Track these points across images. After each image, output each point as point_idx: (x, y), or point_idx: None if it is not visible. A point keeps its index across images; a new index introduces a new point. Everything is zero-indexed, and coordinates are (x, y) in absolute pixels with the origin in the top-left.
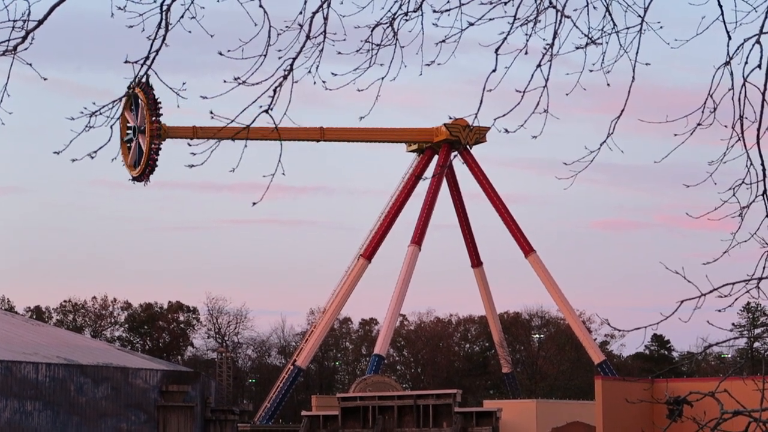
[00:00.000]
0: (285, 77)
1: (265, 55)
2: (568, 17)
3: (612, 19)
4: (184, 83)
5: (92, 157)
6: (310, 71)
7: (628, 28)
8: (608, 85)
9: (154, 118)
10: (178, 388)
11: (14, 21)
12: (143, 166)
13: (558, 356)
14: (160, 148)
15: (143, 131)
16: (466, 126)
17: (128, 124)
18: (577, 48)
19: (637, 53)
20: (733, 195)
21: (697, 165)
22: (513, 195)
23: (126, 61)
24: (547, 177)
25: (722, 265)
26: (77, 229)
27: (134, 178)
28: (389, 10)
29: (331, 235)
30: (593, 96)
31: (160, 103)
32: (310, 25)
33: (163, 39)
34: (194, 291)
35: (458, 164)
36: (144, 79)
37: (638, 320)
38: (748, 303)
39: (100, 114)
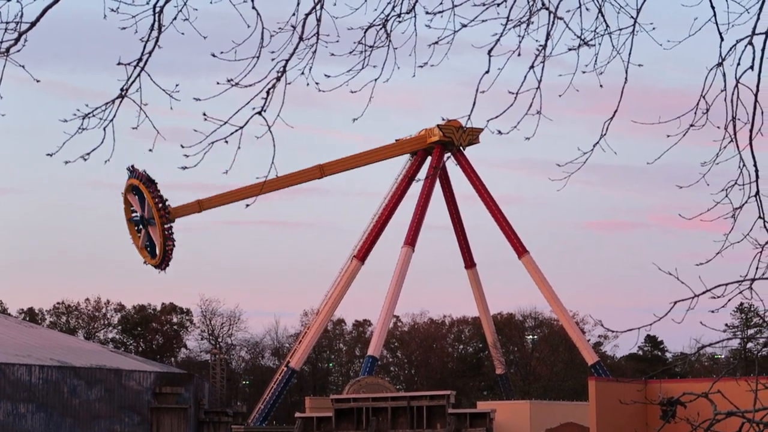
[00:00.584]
0: (278, 79)
1: (258, 57)
2: (561, 19)
3: (605, 21)
4: (177, 85)
5: (85, 159)
6: (303, 73)
7: (620, 30)
8: (601, 86)
9: (160, 206)
10: (172, 389)
11: (6, 23)
12: (160, 258)
13: (551, 357)
14: (173, 238)
15: (153, 223)
16: (459, 127)
17: (132, 209)
18: (570, 49)
19: (629, 54)
20: (726, 196)
21: (690, 166)
22: (506, 196)
23: (119, 63)
24: (541, 178)
25: (715, 266)
26: (71, 230)
27: (153, 266)
28: (382, 12)
29: (325, 236)
30: (586, 97)
31: (167, 200)
32: (303, 26)
33: (156, 41)
34: (187, 292)
35: (451, 165)
36: (144, 172)
37: (632, 321)
38: (741, 304)
39: (93, 116)
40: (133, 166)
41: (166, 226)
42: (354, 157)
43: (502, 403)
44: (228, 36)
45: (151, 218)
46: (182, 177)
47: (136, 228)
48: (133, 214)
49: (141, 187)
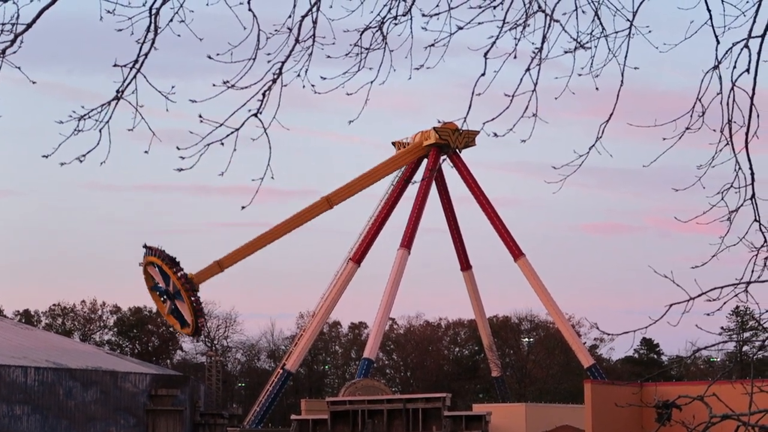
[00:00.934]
0: (274, 81)
1: (254, 59)
2: (557, 21)
3: (601, 23)
4: (173, 87)
5: (81, 161)
6: (299, 75)
7: (616, 32)
8: (597, 89)
9: (180, 274)
10: (168, 391)
11: (3, 24)
12: (194, 325)
13: (547, 360)
14: (204, 314)
15: (180, 298)
16: (456, 130)
17: (156, 282)
18: (566, 52)
19: (626, 57)
20: (722, 199)
21: (686, 169)
22: (502, 198)
23: (115, 65)
24: (537, 180)
25: (711, 269)
26: (68, 232)
27: (186, 334)
28: (378, 14)
29: (321, 238)
30: (582, 100)
31: (177, 260)
32: (300, 28)
33: (152, 43)
34: None
35: (447, 168)
36: (161, 249)
37: (627, 324)
38: (737, 307)
39: (89, 118)
40: (146, 245)
41: (193, 299)
42: (357, 181)
43: (498, 405)
44: (224, 38)
45: (177, 293)
46: (179, 178)
47: (159, 295)
48: (154, 282)
49: (163, 267)
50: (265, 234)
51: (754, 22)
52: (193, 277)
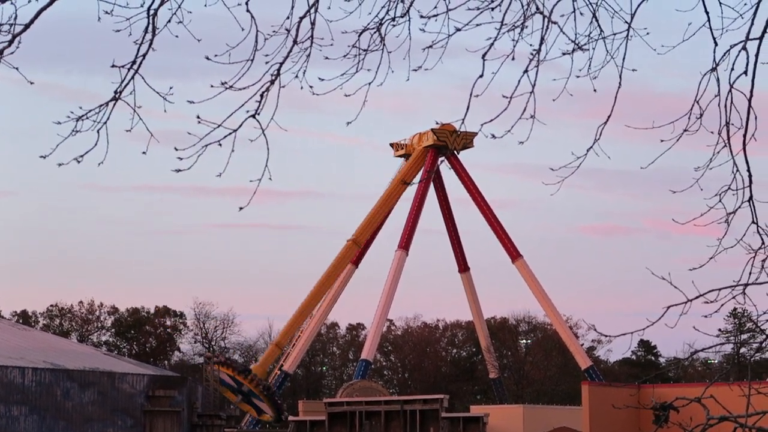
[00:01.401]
0: (272, 82)
1: (252, 60)
2: (555, 23)
3: (599, 25)
4: (171, 88)
5: (78, 162)
6: (297, 76)
7: (614, 34)
8: (595, 90)
9: (255, 382)
10: (165, 392)
11: (0, 25)
12: (277, 414)
13: (545, 362)
14: (273, 391)
15: (255, 395)
16: (453, 131)
17: (223, 380)
18: (564, 54)
19: (623, 59)
20: (720, 201)
21: (684, 170)
22: (500, 200)
23: (113, 66)
24: (535, 182)
25: (708, 271)
26: (65, 233)
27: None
28: (376, 16)
29: (319, 239)
30: (580, 101)
31: (249, 369)
32: (298, 29)
33: (150, 43)
34: (181, 295)
35: (445, 169)
36: (228, 359)
37: (625, 326)
38: (735, 309)
39: (87, 118)
40: (209, 356)
41: (276, 398)
42: (374, 214)
43: (496, 407)
44: (222, 39)
45: (251, 393)
46: (176, 179)
47: (227, 388)
48: (221, 379)
49: (238, 378)
50: (306, 301)
51: (752, 24)
52: (258, 370)
